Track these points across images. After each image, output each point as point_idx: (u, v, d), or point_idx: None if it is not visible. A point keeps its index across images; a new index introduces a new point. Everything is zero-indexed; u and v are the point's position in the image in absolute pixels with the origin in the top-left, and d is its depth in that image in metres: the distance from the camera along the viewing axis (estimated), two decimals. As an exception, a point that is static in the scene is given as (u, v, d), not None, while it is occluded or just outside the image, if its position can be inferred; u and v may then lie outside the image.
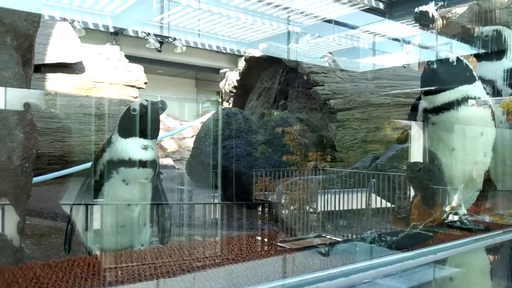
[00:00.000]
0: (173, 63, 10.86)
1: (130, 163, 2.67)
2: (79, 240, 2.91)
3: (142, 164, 2.71)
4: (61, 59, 5.09)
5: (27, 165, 2.12)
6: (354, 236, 3.05)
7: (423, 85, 3.07)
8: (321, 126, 5.50)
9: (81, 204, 2.79)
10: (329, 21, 10.32)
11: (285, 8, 10.52)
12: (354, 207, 3.24)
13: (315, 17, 10.65)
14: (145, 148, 2.72)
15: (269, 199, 4.26)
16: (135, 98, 5.80)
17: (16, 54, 2.11)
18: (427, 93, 3.03)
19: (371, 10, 9.84)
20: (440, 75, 3.01)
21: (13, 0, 2.13)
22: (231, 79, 9.54)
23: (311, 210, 3.72)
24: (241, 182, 4.55)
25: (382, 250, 2.52)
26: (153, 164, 2.79)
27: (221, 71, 10.26)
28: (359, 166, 3.75)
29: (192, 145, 6.60)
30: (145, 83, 5.93)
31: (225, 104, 7.47)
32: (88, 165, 3.34)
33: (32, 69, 2.49)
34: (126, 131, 2.74)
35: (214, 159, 4.72)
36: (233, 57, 10.90)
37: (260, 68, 6.40)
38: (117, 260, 2.22)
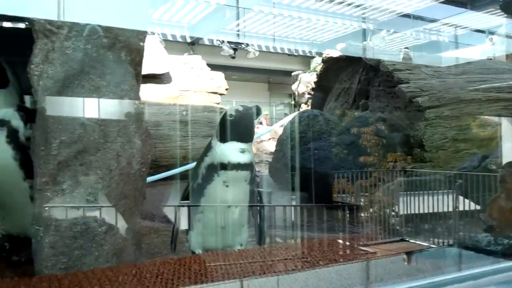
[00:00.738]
0: (246, 68, 11.10)
1: (229, 166, 2.78)
2: (180, 240, 3.07)
3: (241, 166, 2.81)
4: (151, 70, 5.44)
5: (143, 169, 2.29)
6: (444, 241, 2.90)
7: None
8: (406, 126, 5.28)
9: (184, 206, 2.95)
10: (405, 16, 9.92)
11: (358, 6, 10.30)
12: (445, 210, 3.08)
13: (390, 12, 10.30)
14: (243, 151, 2.82)
15: (355, 201, 4.18)
16: (218, 104, 6.02)
17: (130, 68, 2.29)
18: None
19: (451, 1, 9.27)
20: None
21: (126, 19, 2.32)
22: (304, 80, 9.53)
23: (401, 212, 3.59)
24: (326, 184, 4.51)
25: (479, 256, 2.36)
26: (250, 166, 2.87)
27: (293, 73, 10.29)
28: (468, 166, 3.54)
29: (269, 148, 6.69)
30: (226, 89, 6.13)
31: (303, 107, 7.47)
32: (187, 167, 3.50)
33: (140, 81, 2.69)
34: (224, 136, 2.85)
35: (295, 162, 4.73)
36: (305, 59, 10.88)
37: (338, 68, 6.31)
38: (227, 258, 2.32)
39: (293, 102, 9.91)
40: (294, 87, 9.73)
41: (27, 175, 2.58)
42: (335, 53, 6.39)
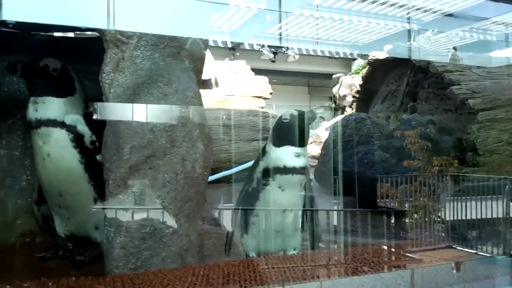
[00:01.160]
0: (286, 72, 11.10)
1: (285, 170, 2.81)
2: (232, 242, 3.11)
3: (296, 170, 2.83)
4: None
5: (205, 173, 2.35)
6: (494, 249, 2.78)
7: None
8: (457, 129, 5.12)
9: (240, 209, 3.00)
10: (451, 15, 9.60)
11: (401, 6, 10.06)
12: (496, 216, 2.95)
13: (434, 12, 9.99)
14: (298, 155, 2.84)
15: (400, 206, 4.09)
16: (262, 108, 6.07)
17: (193, 75, 2.37)
18: None
19: (501, -1, 8.88)
20: None
21: (189, 28, 2.40)
22: (345, 83, 9.42)
23: (448, 218, 3.47)
24: (373, 189, 4.44)
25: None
26: (305, 170, 2.89)
27: (334, 76, 10.20)
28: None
29: (311, 152, 6.65)
30: (270, 93, 6.17)
31: (348, 110, 7.39)
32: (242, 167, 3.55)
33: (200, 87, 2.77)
34: (279, 141, 2.89)
35: (345, 165, 4.69)
36: (346, 61, 10.75)
37: (385, 71, 6.21)
38: (287, 261, 2.34)
39: (333, 105, 9.81)
40: (335, 90, 9.65)
41: (91, 178, 2.72)
42: (381, 54, 6.29)
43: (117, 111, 2.08)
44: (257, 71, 8.53)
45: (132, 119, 2.09)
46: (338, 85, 9.48)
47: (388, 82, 6.18)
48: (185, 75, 2.27)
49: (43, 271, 2.59)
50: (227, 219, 3.21)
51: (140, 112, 2.11)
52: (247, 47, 10.72)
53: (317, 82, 12.22)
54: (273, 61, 10.45)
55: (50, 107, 2.57)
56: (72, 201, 2.77)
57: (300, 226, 3.02)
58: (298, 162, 2.81)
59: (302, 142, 2.88)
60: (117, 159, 2.06)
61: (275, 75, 11.29)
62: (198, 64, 2.40)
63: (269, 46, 10.35)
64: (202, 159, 2.28)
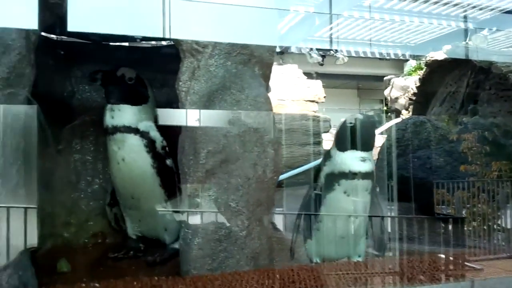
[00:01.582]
0: (335, 75, 10.98)
1: (351, 175, 2.79)
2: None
3: (362, 175, 2.80)
4: (253, 80, 5.63)
5: (275, 178, 2.39)
6: None
7: None
8: (524, 131, 4.85)
9: (304, 214, 3.01)
10: (509, 12, 9.12)
11: (456, 5, 9.70)
12: None
13: (492, 9, 9.54)
14: (364, 160, 2.81)
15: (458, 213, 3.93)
16: (315, 112, 6.05)
17: (263, 81, 2.42)
18: None
19: None
20: None
21: (259, 34, 2.46)
22: (397, 85, 9.17)
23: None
24: (433, 195, 4.31)
25: None
26: (371, 175, 2.86)
27: (385, 78, 9.96)
28: None
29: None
30: (324, 97, 6.14)
31: (404, 113, 7.20)
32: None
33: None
34: (344, 145, 2.87)
35: (404, 170, 4.57)
36: (397, 63, 10.48)
37: (444, 72, 6.00)
38: (361, 268, 2.32)
39: (385, 108, 9.57)
40: (386, 92, 9.41)
41: (162, 181, 2.84)
42: (439, 55, 6.09)
43: (193, 117, 2.17)
44: (306, 75, 8.50)
45: (207, 125, 2.16)
46: (389, 87, 9.24)
47: (447, 83, 5.97)
48: (255, 81, 2.33)
49: (119, 270, 2.71)
50: (281, 223, 3.23)
51: (214, 118, 2.19)
52: (294, 50, 10.72)
53: (367, 85, 11.99)
54: (321, 64, 10.37)
55: (126, 114, 2.71)
56: (143, 203, 2.89)
57: (365, 232, 2.98)
58: (364, 167, 2.79)
59: (367, 146, 2.86)
60: (194, 163, 2.15)
61: (324, 78, 11.20)
62: (266, 70, 2.45)
63: (317, 49, 10.30)
64: (272, 163, 2.32)
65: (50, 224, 3.11)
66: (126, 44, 3.49)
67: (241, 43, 2.24)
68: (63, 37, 3.18)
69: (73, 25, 2.32)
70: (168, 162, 2.82)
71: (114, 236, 3.29)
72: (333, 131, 8.13)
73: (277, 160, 2.36)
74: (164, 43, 3.28)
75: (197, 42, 2.19)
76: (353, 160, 2.80)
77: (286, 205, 3.44)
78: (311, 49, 10.32)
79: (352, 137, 2.84)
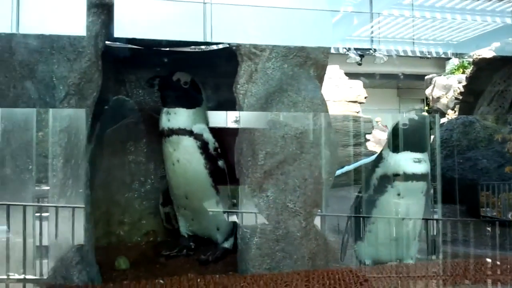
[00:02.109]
0: (374, 75, 10.79)
1: (405, 176, 2.75)
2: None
3: (416, 177, 2.76)
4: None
5: (330, 179, 2.40)
6: None
7: None
8: None
9: (355, 216, 3.00)
10: (560, 6, 8.67)
11: (500, 0, 9.33)
12: None
13: (541, 3, 9.11)
14: (419, 161, 2.77)
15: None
16: (357, 113, 5.99)
17: (318, 83, 2.44)
18: None
19: None
20: None
21: (313, 36, 2.48)
22: (439, 84, 8.93)
23: None
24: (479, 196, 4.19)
25: None
26: (426, 177, 2.80)
27: (426, 77, 9.72)
28: None
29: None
30: (365, 98, 6.07)
31: (450, 113, 7.01)
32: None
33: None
34: (397, 146, 2.84)
35: (454, 172, 4.45)
36: (439, 61, 10.18)
37: (492, 70, 5.79)
38: (417, 271, 2.30)
39: (426, 108, 9.34)
40: (427, 91, 9.19)
41: (214, 182, 2.90)
42: (487, 53, 5.88)
43: (251, 119, 2.21)
44: (347, 75, 8.40)
45: (265, 126, 2.20)
46: (431, 87, 9.02)
47: (495, 82, 5.75)
48: (311, 83, 2.35)
49: (173, 268, 2.78)
50: (329, 224, 3.21)
51: (272, 120, 2.22)
52: (333, 51, 10.62)
53: (407, 84, 11.71)
54: (360, 64, 10.22)
55: (181, 117, 2.79)
56: (197, 203, 2.97)
57: (418, 235, 2.94)
58: (419, 168, 2.75)
59: (422, 147, 2.81)
60: (252, 164, 2.19)
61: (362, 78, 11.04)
62: (321, 71, 2.47)
63: (356, 49, 10.16)
64: (328, 165, 2.33)
65: (105, 223, 3.24)
66: (180, 49, 3.56)
67: (297, 45, 2.26)
68: (118, 43, 3.30)
69: (122, 31, 2.41)
70: (220, 163, 2.89)
71: (165, 235, 3.37)
72: (375, 132, 8.04)
73: (333, 161, 2.37)
74: (214, 47, 3.34)
75: (255, 46, 2.23)
76: (407, 161, 2.76)
77: (329, 207, 3.43)
78: (349, 49, 10.20)
79: (406, 138, 2.80)
